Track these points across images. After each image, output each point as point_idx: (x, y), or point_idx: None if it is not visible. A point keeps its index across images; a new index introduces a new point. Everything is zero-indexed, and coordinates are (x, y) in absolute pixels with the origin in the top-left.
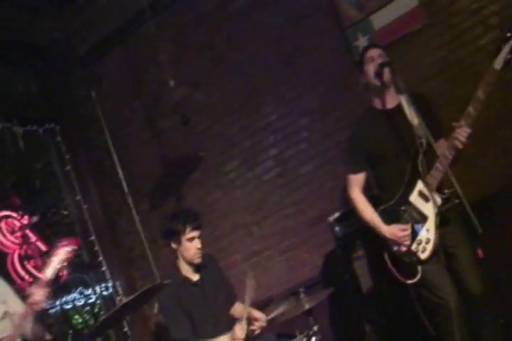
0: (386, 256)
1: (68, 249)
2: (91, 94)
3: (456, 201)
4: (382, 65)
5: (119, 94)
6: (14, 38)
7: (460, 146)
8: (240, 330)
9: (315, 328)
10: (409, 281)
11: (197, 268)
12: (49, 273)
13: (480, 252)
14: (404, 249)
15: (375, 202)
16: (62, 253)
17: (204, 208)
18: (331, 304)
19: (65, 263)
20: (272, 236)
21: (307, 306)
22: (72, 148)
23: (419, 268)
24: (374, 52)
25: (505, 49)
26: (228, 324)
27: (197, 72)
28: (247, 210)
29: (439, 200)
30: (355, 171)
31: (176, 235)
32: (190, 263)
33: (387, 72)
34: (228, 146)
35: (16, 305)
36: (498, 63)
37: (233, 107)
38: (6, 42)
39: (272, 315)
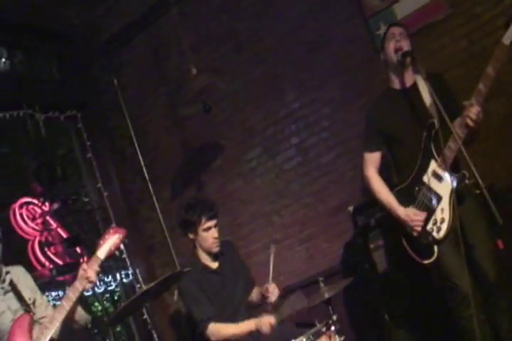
0: (403, 237)
1: (118, 236)
2: (113, 81)
3: (477, 191)
4: (404, 55)
5: (141, 82)
6: (37, 24)
7: (471, 124)
8: (267, 322)
9: (334, 317)
10: (426, 261)
11: (215, 255)
12: (102, 253)
13: (500, 243)
14: (415, 234)
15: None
16: (112, 239)
17: (224, 196)
18: (351, 293)
19: (114, 250)
20: (292, 225)
21: (326, 295)
22: (94, 135)
23: (436, 248)
24: (396, 30)
25: None
26: (247, 311)
27: (219, 60)
28: (267, 199)
29: (453, 180)
30: (371, 150)
31: (192, 226)
32: (208, 252)
33: (408, 61)
34: (249, 135)
35: (41, 298)
36: (508, 38)
37: (255, 95)
38: (29, 28)
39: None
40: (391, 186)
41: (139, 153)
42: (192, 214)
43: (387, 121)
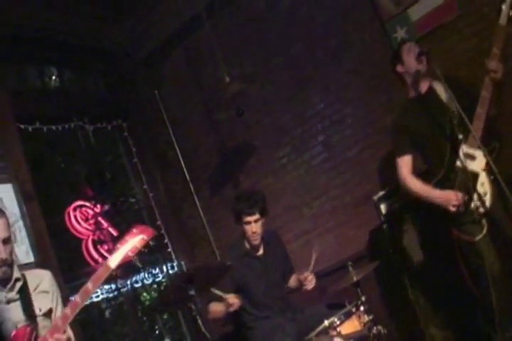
0: (450, 222)
1: (142, 236)
2: (154, 92)
3: (492, 177)
4: (420, 54)
5: (179, 92)
6: (83, 44)
7: (495, 75)
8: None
9: (363, 298)
10: (477, 238)
11: (259, 244)
12: (114, 261)
13: None
14: (453, 209)
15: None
16: (133, 241)
17: None
18: (377, 276)
19: (134, 253)
20: (321, 216)
21: (355, 278)
22: (138, 142)
23: (484, 222)
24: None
25: (505, 7)
26: (280, 294)
27: (250, 68)
28: (297, 193)
29: (483, 155)
30: (401, 154)
31: (236, 217)
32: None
33: (424, 60)
34: (280, 134)
35: (60, 310)
36: (503, 19)
37: (284, 98)
38: (76, 48)
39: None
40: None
41: (179, 156)
42: (236, 207)
43: (414, 126)
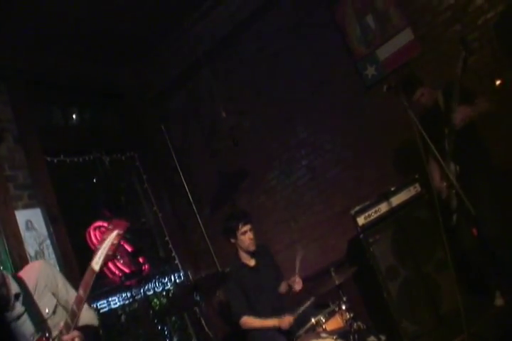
0: None
1: (117, 231)
2: (161, 127)
3: (453, 191)
4: (388, 89)
5: (183, 126)
6: (101, 87)
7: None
8: (287, 321)
9: (344, 299)
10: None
11: (253, 255)
12: (97, 263)
13: (475, 231)
14: None
15: None
16: (110, 239)
17: (252, 209)
18: (356, 279)
19: (113, 251)
20: (307, 228)
21: (337, 282)
22: (149, 170)
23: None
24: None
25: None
26: (278, 300)
27: (243, 104)
28: (285, 209)
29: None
30: None
31: (232, 232)
32: (247, 252)
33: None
34: (269, 160)
35: (67, 293)
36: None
37: (272, 129)
38: (95, 90)
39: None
40: None
41: (184, 181)
42: (231, 222)
43: None
